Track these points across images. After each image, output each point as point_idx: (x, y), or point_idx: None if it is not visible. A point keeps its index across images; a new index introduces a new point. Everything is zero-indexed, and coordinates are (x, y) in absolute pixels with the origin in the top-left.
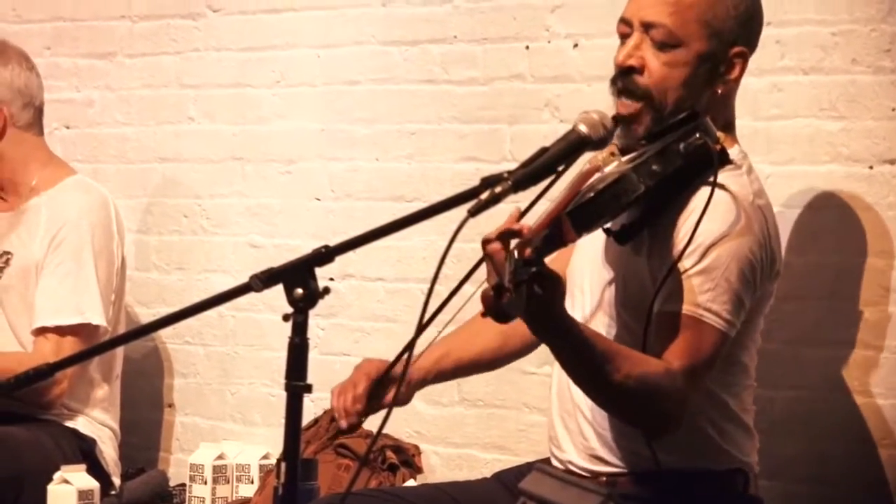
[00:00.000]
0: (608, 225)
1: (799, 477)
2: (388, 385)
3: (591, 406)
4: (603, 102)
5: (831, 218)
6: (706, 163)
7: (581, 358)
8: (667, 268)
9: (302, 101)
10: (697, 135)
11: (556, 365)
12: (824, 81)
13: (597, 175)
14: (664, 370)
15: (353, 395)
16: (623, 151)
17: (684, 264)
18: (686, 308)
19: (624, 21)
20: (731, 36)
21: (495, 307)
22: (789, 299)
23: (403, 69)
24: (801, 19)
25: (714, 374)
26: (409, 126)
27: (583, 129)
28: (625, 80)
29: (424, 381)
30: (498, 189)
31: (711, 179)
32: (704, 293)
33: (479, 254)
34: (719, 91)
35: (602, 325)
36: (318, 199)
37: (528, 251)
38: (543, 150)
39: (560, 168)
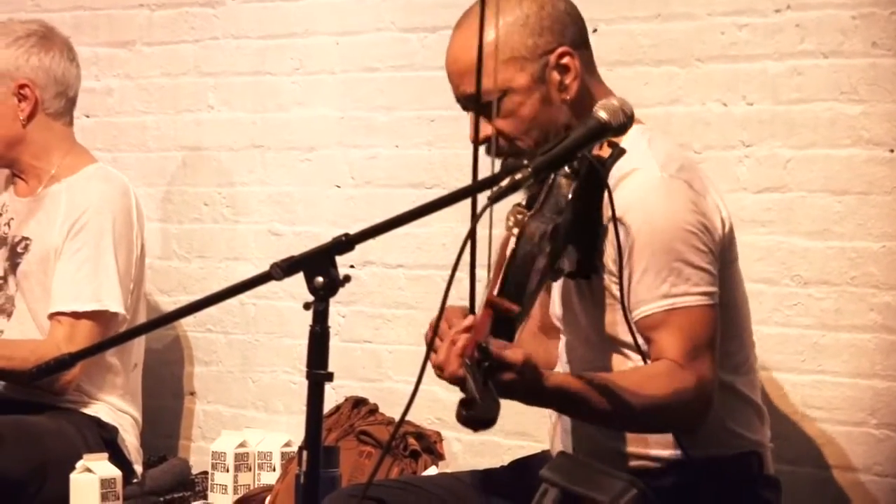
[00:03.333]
0: (566, 268)
1: (822, 462)
2: None
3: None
4: (624, 88)
5: (852, 202)
6: (597, 170)
7: (578, 407)
8: (617, 282)
9: (321, 88)
10: (584, 163)
11: None
12: (844, 65)
13: (511, 241)
14: (667, 371)
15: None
16: (529, 204)
17: (632, 270)
18: (656, 306)
19: (457, 100)
20: (540, 50)
21: (470, 419)
22: (810, 284)
23: (423, 56)
24: (822, 3)
25: None
26: (429, 113)
27: (602, 115)
28: (489, 150)
29: None
30: (518, 176)
31: (610, 185)
32: (664, 283)
33: (499, 240)
34: (568, 97)
35: (591, 349)
36: (339, 187)
37: (474, 353)
38: (564, 137)
39: (580, 154)
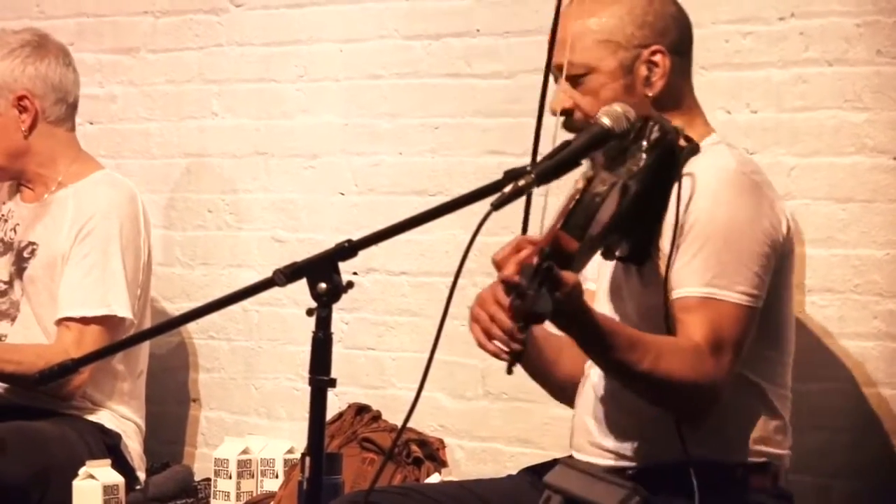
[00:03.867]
0: (618, 252)
1: (827, 471)
2: None
3: (615, 403)
4: None
5: (856, 210)
6: (673, 152)
7: (604, 348)
8: (668, 260)
9: (325, 95)
10: (656, 128)
11: (585, 373)
12: (849, 73)
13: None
14: (692, 350)
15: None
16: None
17: (685, 251)
18: (695, 291)
19: (550, 72)
20: (635, 41)
21: (519, 309)
22: (814, 292)
23: (426, 63)
24: (826, 11)
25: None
26: (433, 120)
27: (606, 121)
28: (566, 122)
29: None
30: (521, 182)
31: (680, 155)
32: (709, 271)
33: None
34: (650, 94)
35: None
36: (342, 194)
37: (534, 259)
38: (566, 143)
39: (583, 161)
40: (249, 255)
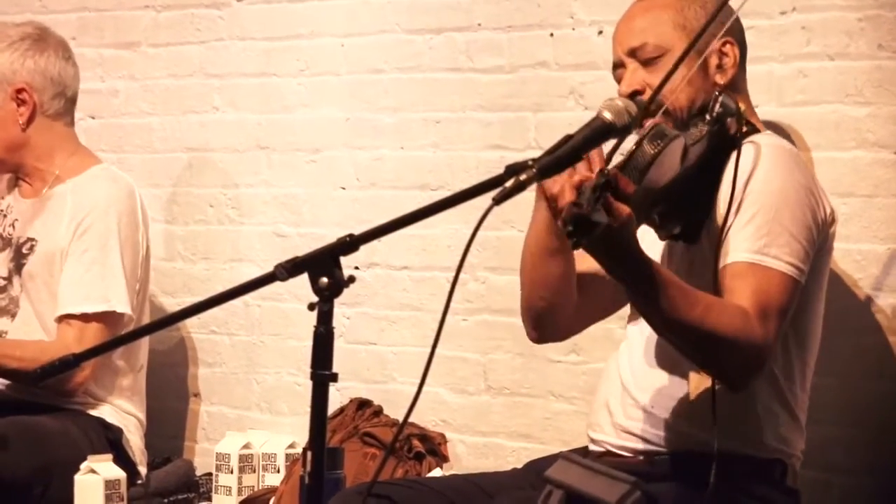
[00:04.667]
0: (675, 231)
1: (829, 465)
2: None
3: (640, 386)
4: None
5: (857, 204)
6: (732, 130)
7: (655, 293)
8: (720, 228)
9: (327, 89)
10: (720, 100)
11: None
12: (850, 67)
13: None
14: (740, 312)
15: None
16: None
17: (737, 219)
18: (745, 257)
19: (615, 65)
20: (711, 29)
21: (572, 214)
22: None
23: (428, 57)
24: (827, 4)
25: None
26: (434, 114)
27: (607, 115)
28: (638, 105)
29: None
30: (523, 177)
31: (741, 134)
32: (761, 239)
33: (504, 242)
34: (721, 82)
35: None
36: (344, 188)
37: (592, 180)
38: (568, 138)
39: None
40: (251, 249)
